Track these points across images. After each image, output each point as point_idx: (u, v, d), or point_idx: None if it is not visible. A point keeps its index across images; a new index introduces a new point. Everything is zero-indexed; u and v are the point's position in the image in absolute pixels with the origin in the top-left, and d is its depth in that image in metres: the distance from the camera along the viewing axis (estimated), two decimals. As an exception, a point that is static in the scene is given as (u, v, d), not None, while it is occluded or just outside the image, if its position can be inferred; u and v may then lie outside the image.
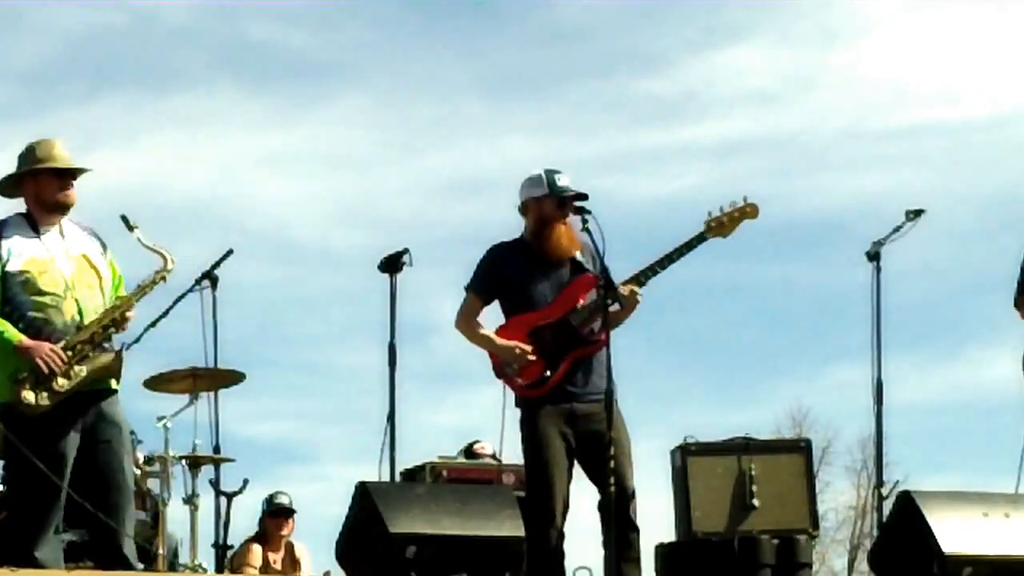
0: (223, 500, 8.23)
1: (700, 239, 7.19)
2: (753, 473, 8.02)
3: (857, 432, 33.21)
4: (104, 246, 6.52)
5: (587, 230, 6.95)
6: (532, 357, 6.95)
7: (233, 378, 8.15)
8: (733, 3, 36.77)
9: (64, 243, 6.38)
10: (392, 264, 7.09)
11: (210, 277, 7.61)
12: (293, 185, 39.03)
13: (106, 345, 6.34)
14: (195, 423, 8.19)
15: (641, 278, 7.09)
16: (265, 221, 37.25)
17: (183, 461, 8.21)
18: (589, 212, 6.97)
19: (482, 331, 7.11)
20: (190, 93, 37.18)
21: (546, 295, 7.08)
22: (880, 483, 7.53)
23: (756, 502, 7.98)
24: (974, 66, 41.37)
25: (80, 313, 6.28)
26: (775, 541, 7.74)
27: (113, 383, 6.36)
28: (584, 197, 7.06)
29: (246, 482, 8.30)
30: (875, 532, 7.69)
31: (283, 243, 36.82)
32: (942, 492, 6.72)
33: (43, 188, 6.38)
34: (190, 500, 8.18)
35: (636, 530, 6.89)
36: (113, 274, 6.51)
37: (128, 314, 6.39)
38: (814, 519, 8.14)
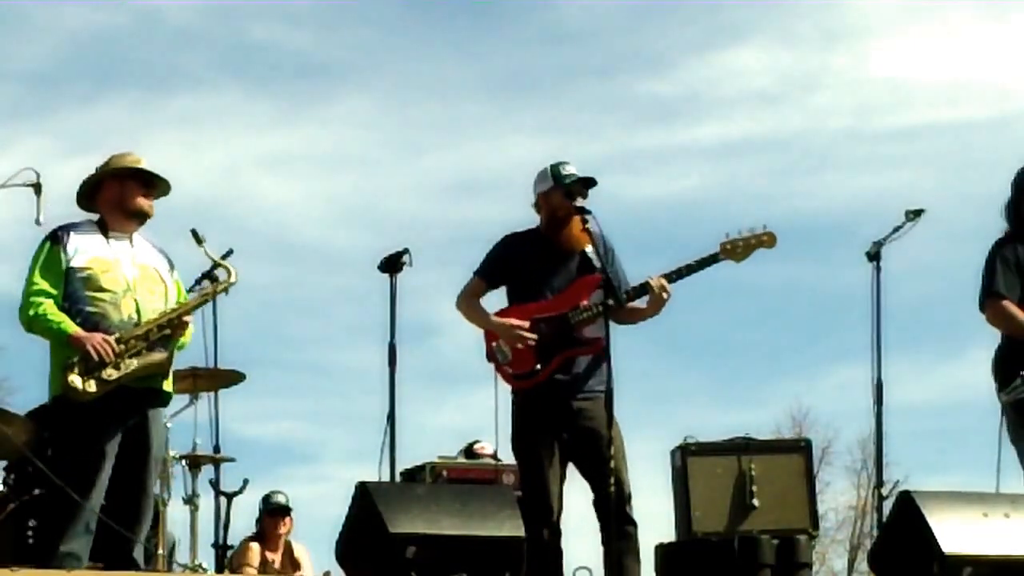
0: (223, 500, 8.23)
1: (713, 259, 7.16)
2: (753, 473, 8.02)
3: (857, 432, 33.28)
4: (172, 265, 6.64)
5: (587, 230, 6.96)
6: (529, 335, 6.95)
7: (233, 378, 8.15)
8: (734, 4, 36.86)
9: (132, 250, 6.49)
10: (392, 264, 7.09)
11: (210, 277, 7.60)
12: (294, 185, 39.14)
13: (160, 347, 6.38)
14: (195, 423, 8.20)
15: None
16: (266, 221, 37.36)
17: (183, 461, 8.21)
18: (589, 212, 6.99)
19: (482, 310, 7.13)
20: (192, 94, 37.29)
21: (553, 288, 7.09)
22: (880, 483, 7.52)
23: (756, 502, 7.98)
24: (976, 67, 41.45)
25: (138, 313, 6.36)
26: (775, 541, 7.75)
27: (167, 386, 6.45)
28: (591, 182, 7.08)
29: (246, 482, 8.31)
30: (875, 532, 7.68)
31: (284, 243, 36.92)
32: (942, 492, 6.71)
33: (127, 193, 6.49)
34: (190, 500, 8.18)
35: (634, 524, 6.89)
36: (179, 292, 6.58)
37: (186, 319, 6.47)
38: (814, 519, 8.14)
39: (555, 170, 7.10)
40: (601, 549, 6.86)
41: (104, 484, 6.21)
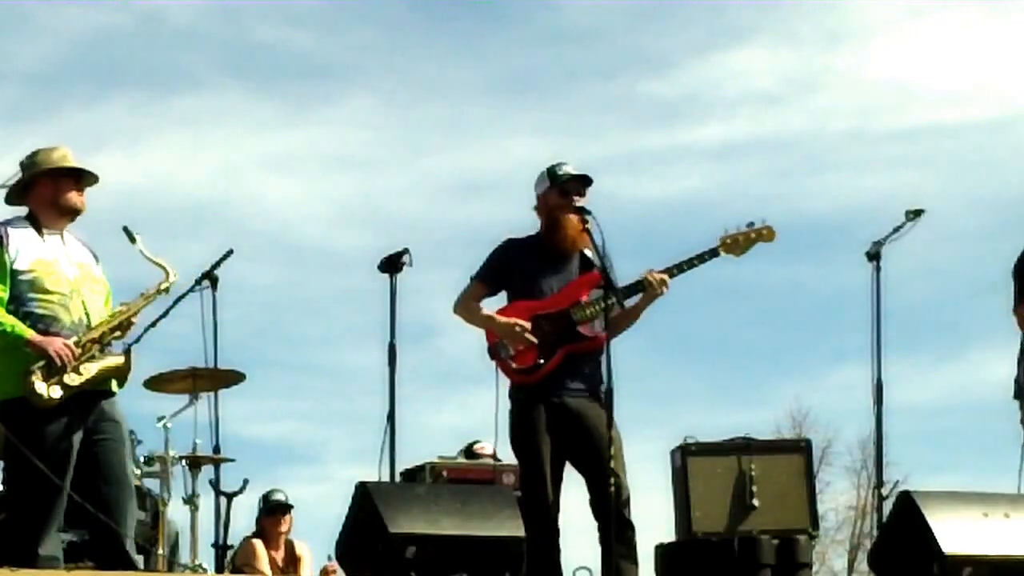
0: (223, 500, 8.23)
1: (712, 254, 7.18)
2: (753, 473, 8.02)
3: (857, 432, 33.23)
4: (96, 259, 6.57)
5: (587, 230, 6.97)
6: (531, 337, 6.97)
7: (233, 378, 8.16)
8: (737, 5, 36.76)
9: (65, 248, 6.43)
10: (392, 264, 7.09)
11: (210, 277, 7.61)
12: (296, 186, 39.06)
13: (109, 349, 6.35)
14: (195, 423, 8.20)
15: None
16: (268, 222, 37.26)
17: (183, 461, 8.21)
18: (589, 212, 7.00)
19: (482, 311, 7.14)
20: (195, 94, 37.20)
21: (553, 289, 7.11)
22: (880, 483, 7.52)
23: (756, 502, 7.97)
24: (978, 68, 41.38)
25: (87, 314, 6.32)
26: (775, 541, 7.74)
27: (115, 386, 6.39)
28: (586, 180, 7.09)
29: (246, 482, 8.31)
30: (875, 532, 7.69)
31: (285, 244, 36.86)
32: (942, 492, 6.72)
33: (60, 190, 6.42)
34: (190, 500, 8.18)
35: (632, 527, 6.89)
36: (104, 286, 6.54)
37: (134, 320, 6.44)
38: (814, 519, 8.13)
39: (551, 170, 7.14)
40: (599, 550, 6.86)
41: (66, 486, 6.18)
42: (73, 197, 6.43)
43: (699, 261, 7.17)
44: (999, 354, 7.15)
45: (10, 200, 6.52)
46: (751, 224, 7.24)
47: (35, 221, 6.42)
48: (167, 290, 6.58)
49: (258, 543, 9.48)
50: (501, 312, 7.14)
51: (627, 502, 6.89)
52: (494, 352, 7.11)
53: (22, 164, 6.49)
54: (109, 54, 36.94)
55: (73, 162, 6.45)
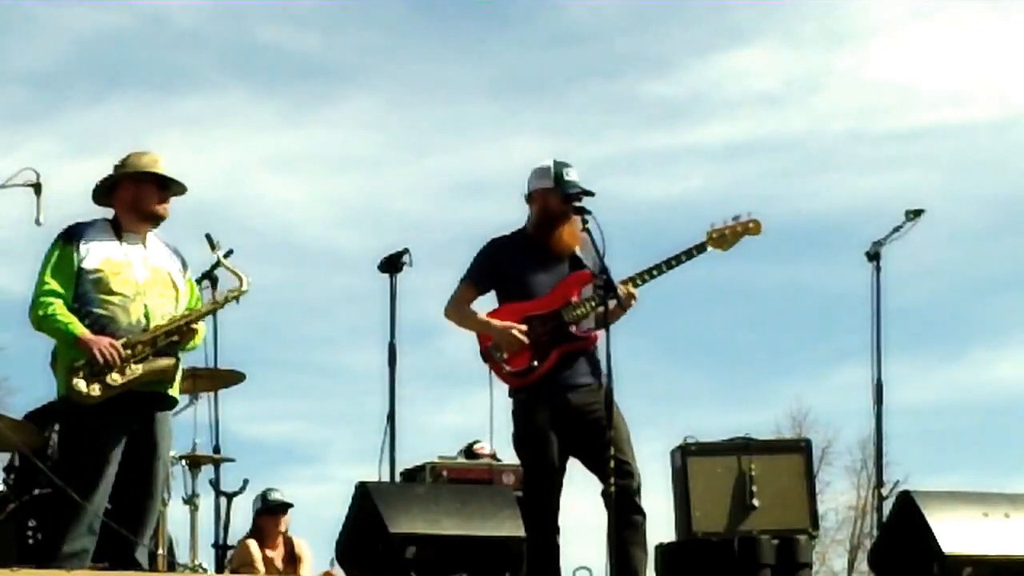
0: (223, 500, 8.23)
1: (700, 249, 7.18)
2: (753, 473, 8.02)
3: (857, 432, 33.28)
4: (185, 266, 6.61)
5: (587, 230, 6.96)
6: (523, 338, 6.96)
7: (233, 378, 8.15)
8: (739, 5, 36.79)
9: (144, 252, 6.45)
10: (392, 264, 7.09)
11: (210, 277, 7.60)
12: (299, 186, 39.08)
13: (167, 353, 6.35)
14: (195, 423, 8.19)
15: (637, 280, 7.08)
16: (269, 222, 37.29)
17: (183, 461, 8.21)
18: (589, 212, 6.98)
19: (476, 315, 7.12)
20: (198, 95, 37.23)
21: (544, 287, 7.08)
22: (880, 483, 7.54)
23: (756, 502, 7.98)
24: (980, 68, 41.38)
25: (147, 317, 6.32)
26: (775, 541, 7.75)
27: (173, 391, 6.41)
28: (589, 194, 7.07)
29: (246, 482, 8.31)
30: (875, 532, 7.70)
31: (287, 244, 36.86)
32: (942, 492, 6.73)
33: (142, 195, 6.45)
34: (190, 500, 8.18)
35: (642, 514, 6.87)
36: (191, 293, 6.56)
37: (195, 326, 6.43)
38: (814, 519, 8.14)
39: (558, 172, 7.07)
40: (604, 546, 6.84)
41: (108, 486, 6.19)
42: (153, 203, 6.46)
43: (687, 257, 7.16)
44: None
45: (97, 200, 6.55)
46: (737, 217, 7.25)
47: (117, 224, 6.45)
48: (238, 298, 6.60)
49: (253, 544, 9.43)
50: (492, 316, 7.11)
51: (638, 489, 6.87)
52: (487, 355, 7.10)
53: (115, 166, 6.53)
54: (112, 54, 37.00)
55: (159, 168, 6.48)
